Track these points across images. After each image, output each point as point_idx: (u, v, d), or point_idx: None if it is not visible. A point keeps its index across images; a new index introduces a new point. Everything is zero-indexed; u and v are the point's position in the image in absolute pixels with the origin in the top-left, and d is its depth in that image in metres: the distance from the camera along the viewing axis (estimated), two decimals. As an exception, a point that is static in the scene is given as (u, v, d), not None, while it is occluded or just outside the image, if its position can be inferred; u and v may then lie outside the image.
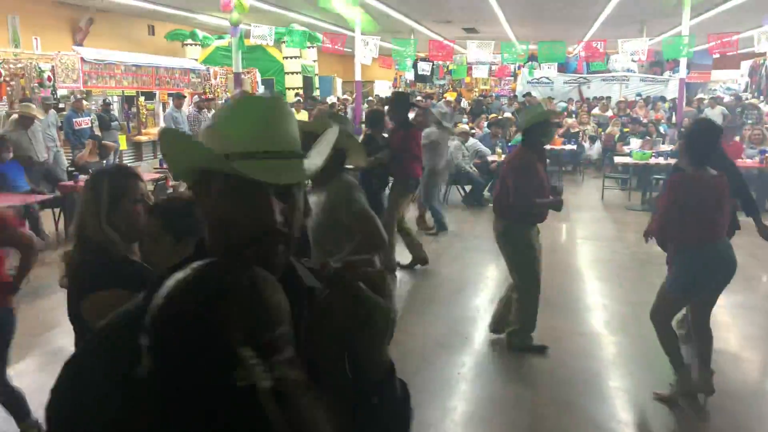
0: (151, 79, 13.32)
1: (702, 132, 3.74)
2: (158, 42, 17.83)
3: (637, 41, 14.35)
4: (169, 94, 13.48)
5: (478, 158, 10.84)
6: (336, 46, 13.71)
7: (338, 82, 25.12)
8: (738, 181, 4.35)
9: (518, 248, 4.51)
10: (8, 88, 11.35)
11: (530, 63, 18.18)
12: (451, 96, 20.70)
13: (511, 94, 20.13)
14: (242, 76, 11.51)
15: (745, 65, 21.32)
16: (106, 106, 11.14)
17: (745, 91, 20.72)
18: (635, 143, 11.85)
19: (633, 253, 7.42)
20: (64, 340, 4.32)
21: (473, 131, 10.88)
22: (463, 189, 10.56)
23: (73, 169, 8.48)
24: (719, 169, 3.77)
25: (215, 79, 15.74)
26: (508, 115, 14.97)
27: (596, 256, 7.48)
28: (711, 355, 3.89)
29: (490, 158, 10.53)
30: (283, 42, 15.87)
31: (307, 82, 21.49)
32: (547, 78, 20.03)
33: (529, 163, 4.35)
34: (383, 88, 28.03)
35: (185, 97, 11.55)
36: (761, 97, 17.78)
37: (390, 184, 6.33)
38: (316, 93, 21.87)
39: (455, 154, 10.09)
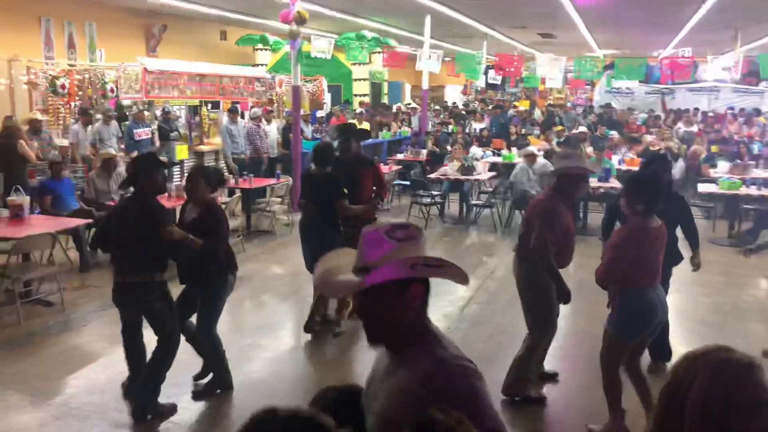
0: (215, 89, 13.25)
1: (649, 184, 3.85)
2: (230, 47, 17.94)
3: (729, 56, 13.10)
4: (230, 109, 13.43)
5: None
6: (395, 62, 13.26)
7: (407, 88, 24.64)
8: (687, 213, 4.97)
9: (538, 294, 4.31)
10: (77, 98, 11.55)
11: (609, 73, 17.12)
12: (523, 105, 19.89)
13: (588, 104, 19.06)
14: (302, 88, 11.22)
15: None
16: (166, 115, 11.10)
17: None
18: (723, 167, 10.77)
19: (714, 303, 6.56)
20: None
21: (539, 151, 10.12)
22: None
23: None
24: (669, 200, 4.14)
25: (280, 87, 15.59)
26: (582, 129, 14.06)
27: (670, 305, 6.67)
28: (651, 398, 3.74)
29: (558, 182, 9.75)
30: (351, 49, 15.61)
31: (376, 89, 21.16)
32: (628, 88, 18.83)
33: (554, 208, 4.18)
34: (454, 95, 27.39)
35: (238, 110, 11.36)
36: None
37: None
38: (384, 100, 21.52)
39: (519, 176, 9.42)
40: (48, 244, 5.90)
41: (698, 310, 6.35)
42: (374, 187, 5.80)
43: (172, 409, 4.19)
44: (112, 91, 11.13)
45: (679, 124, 15.31)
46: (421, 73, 16.77)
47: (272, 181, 9.57)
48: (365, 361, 4.87)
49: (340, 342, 5.48)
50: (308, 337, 5.50)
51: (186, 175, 4.36)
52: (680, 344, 5.50)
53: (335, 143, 6.96)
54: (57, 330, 5.58)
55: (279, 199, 9.13)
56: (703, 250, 8.55)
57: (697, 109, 16.56)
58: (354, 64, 19.70)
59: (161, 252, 4.04)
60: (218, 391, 4.46)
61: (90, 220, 7.03)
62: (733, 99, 17.78)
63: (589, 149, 12.74)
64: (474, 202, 10.68)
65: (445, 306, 6.22)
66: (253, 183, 8.98)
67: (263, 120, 11.76)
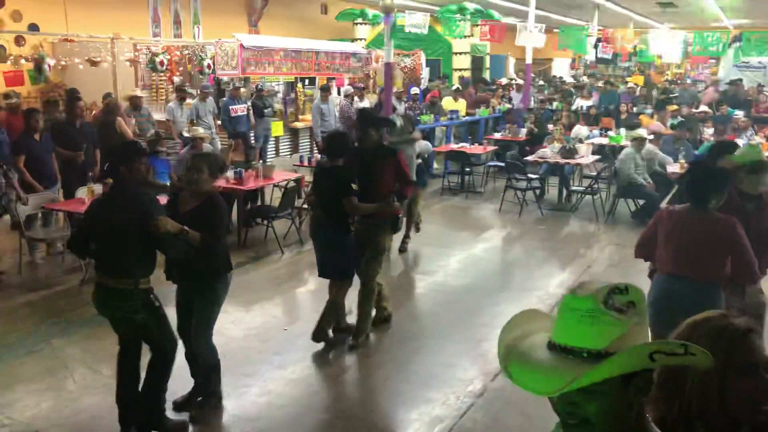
0: (311, 65, 13.18)
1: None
2: (330, 22, 17.88)
3: None
4: (322, 87, 13.31)
5: (659, 166, 9.16)
6: (494, 36, 12.54)
7: (511, 61, 23.59)
8: None
9: None
10: (177, 74, 11.84)
11: (736, 44, 15.39)
12: (636, 81, 18.44)
13: (711, 80, 17.36)
14: (395, 64, 10.87)
15: None
16: (260, 92, 11.12)
17: None
18: None
19: None
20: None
21: (650, 136, 9.18)
22: (635, 203, 9.04)
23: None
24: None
25: (377, 62, 15.30)
26: (704, 108, 12.76)
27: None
28: None
29: (671, 168, 8.85)
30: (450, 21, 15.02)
31: (477, 63, 20.38)
32: (760, 62, 16.94)
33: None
34: (562, 69, 25.96)
35: (330, 89, 11.16)
36: None
37: None
38: (486, 74, 20.71)
39: (626, 164, 8.60)
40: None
41: None
42: (396, 182, 5.03)
43: (182, 427, 3.86)
44: (209, 67, 11.29)
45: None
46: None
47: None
48: (380, 377, 4.54)
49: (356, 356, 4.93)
50: (318, 347, 4.92)
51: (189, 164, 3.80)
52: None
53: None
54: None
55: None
56: None
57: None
58: (454, 37, 19.07)
59: (146, 251, 3.60)
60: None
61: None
62: None
63: (709, 131, 11.55)
64: (574, 187, 9.94)
65: (533, 302, 5.75)
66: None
67: (356, 97, 11.53)
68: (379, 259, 5.01)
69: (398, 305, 5.67)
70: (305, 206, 7.34)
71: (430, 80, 16.52)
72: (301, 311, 5.89)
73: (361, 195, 4.80)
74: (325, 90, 10.52)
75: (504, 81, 18.06)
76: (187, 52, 11.47)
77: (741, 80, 15.64)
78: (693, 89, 16.33)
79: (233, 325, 5.21)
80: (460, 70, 19.01)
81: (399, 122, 6.96)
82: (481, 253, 7.70)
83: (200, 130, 7.59)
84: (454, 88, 13.95)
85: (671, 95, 15.28)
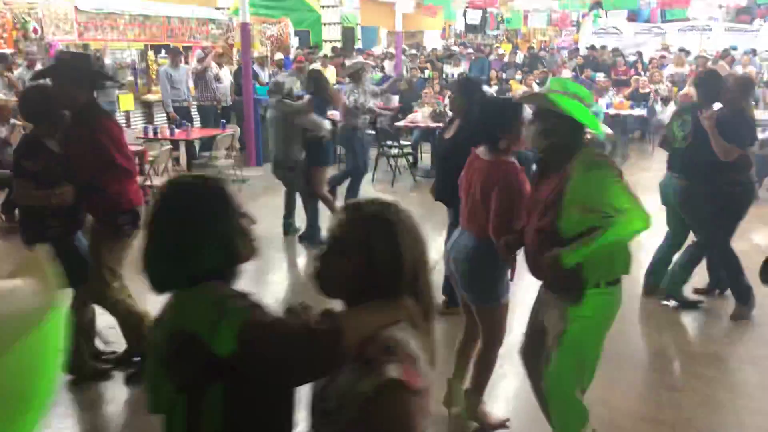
0: (162, 31, 11.98)
1: None
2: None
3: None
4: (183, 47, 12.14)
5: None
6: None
7: (383, 32, 23.22)
8: None
9: None
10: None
11: (595, 11, 15.89)
12: (505, 48, 18.65)
13: (573, 47, 17.88)
14: (250, 27, 9.99)
15: None
16: (98, 61, 9.83)
17: None
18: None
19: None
20: None
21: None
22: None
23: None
24: None
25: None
26: (567, 74, 12.98)
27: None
28: None
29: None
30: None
31: (348, 34, 19.80)
32: (616, 28, 17.64)
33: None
34: (435, 40, 25.98)
35: (182, 52, 10.09)
36: None
37: None
38: (358, 45, 20.17)
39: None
40: None
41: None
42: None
43: None
44: (35, 31, 9.81)
45: (669, 65, 14.27)
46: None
47: (215, 131, 8.46)
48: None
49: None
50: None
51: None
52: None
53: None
54: None
55: (224, 152, 8.04)
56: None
57: (687, 51, 15.44)
58: (324, 6, 18.34)
59: None
60: None
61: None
62: (727, 38, 16.67)
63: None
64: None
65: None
66: (192, 134, 7.88)
67: (214, 64, 10.52)
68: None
69: (257, 283, 5.00)
70: (147, 183, 6.41)
71: (297, 49, 15.70)
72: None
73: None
74: (175, 54, 9.45)
75: (376, 51, 17.61)
76: (9, 14, 9.91)
77: (595, 46, 16.19)
78: (557, 55, 16.69)
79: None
80: (331, 41, 18.35)
81: (288, 82, 6.01)
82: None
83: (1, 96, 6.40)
84: (321, 54, 13.25)
85: (537, 61, 15.52)
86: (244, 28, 9.13)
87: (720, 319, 4.56)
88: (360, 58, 11.49)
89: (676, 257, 4.65)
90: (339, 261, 1.37)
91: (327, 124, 5.94)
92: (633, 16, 17.93)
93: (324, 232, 5.92)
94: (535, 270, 2.63)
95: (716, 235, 4.40)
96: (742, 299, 4.42)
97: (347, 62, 13.71)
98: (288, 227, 6.39)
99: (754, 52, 15.18)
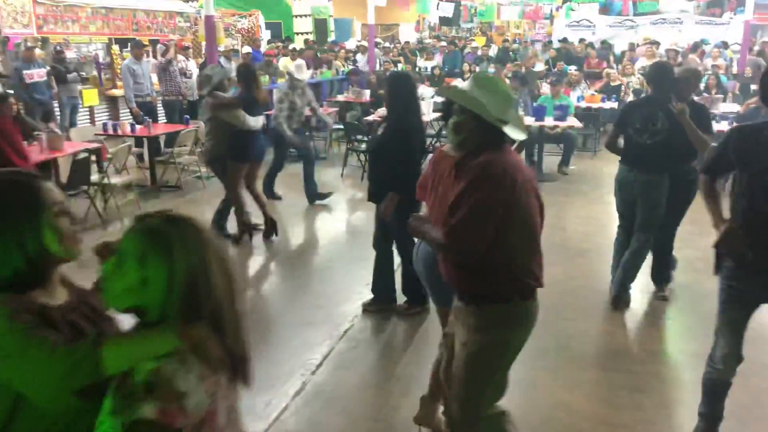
0: (127, 24, 11.69)
1: None
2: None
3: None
4: (151, 41, 11.85)
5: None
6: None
7: (357, 25, 22.99)
8: None
9: None
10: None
11: (568, 3, 15.87)
12: (479, 41, 18.57)
13: (547, 40, 17.87)
14: (216, 20, 9.76)
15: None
16: (59, 54, 9.54)
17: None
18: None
19: (686, 258, 5.63)
20: None
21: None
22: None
23: None
24: None
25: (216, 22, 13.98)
26: (539, 67, 12.94)
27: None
28: None
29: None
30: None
31: (320, 26, 19.56)
32: (588, 21, 17.66)
33: None
34: (408, 33, 25.81)
35: (145, 45, 9.82)
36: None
37: None
38: (332, 38, 19.95)
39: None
40: None
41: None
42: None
43: None
44: (-9, 24, 9.51)
45: (640, 58, 14.29)
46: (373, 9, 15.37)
47: (178, 127, 8.24)
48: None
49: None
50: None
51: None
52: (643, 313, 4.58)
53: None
54: None
55: (186, 148, 7.83)
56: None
57: (657, 42, 15.50)
58: (295, -2, 18.11)
59: None
60: None
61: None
62: (698, 31, 16.78)
63: (545, 87, 11.67)
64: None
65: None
66: (154, 130, 7.66)
67: (181, 57, 10.25)
68: None
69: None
70: (107, 182, 6.21)
71: (269, 42, 15.47)
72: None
73: None
74: (137, 47, 9.18)
75: (349, 44, 17.42)
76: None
77: (567, 39, 16.21)
78: (530, 48, 16.65)
79: None
80: (303, 33, 18.12)
81: (218, 75, 5.76)
82: (322, 220, 7.05)
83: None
84: (291, 47, 13.04)
85: (511, 53, 15.47)
86: (209, 20, 8.91)
87: (685, 317, 4.53)
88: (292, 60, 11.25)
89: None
90: (118, 275, 1.27)
91: (256, 121, 5.73)
92: (605, 9, 17.96)
93: (229, 231, 5.90)
94: (445, 276, 2.45)
95: (673, 224, 4.55)
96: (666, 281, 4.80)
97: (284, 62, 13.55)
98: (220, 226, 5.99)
99: (725, 45, 15.28)
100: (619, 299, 4.55)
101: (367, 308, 4.45)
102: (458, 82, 8.72)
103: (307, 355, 3.81)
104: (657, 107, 4.29)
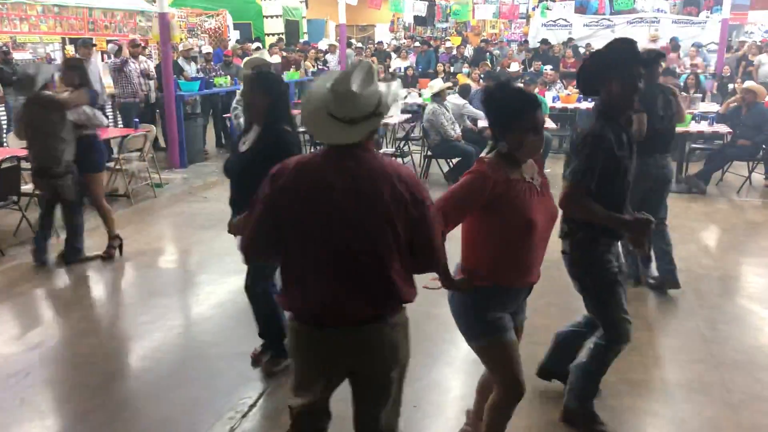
0: (82, 23, 11.11)
1: None
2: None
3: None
4: (108, 41, 11.27)
5: (471, 122, 8.64)
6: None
7: (331, 26, 22.52)
8: None
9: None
10: None
11: (543, 2, 15.54)
12: (454, 41, 18.20)
13: (523, 40, 17.55)
14: (170, 18, 9.23)
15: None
16: (5, 56, 8.94)
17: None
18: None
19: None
20: None
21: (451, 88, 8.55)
22: (448, 162, 8.37)
23: None
24: None
25: (172, 20, 13.43)
26: (515, 67, 12.55)
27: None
28: None
29: (482, 123, 8.28)
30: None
31: (292, 27, 19.04)
32: (565, 20, 17.36)
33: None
34: (384, 33, 25.38)
35: (94, 45, 9.21)
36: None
37: None
38: (304, 38, 19.44)
39: (435, 119, 7.85)
40: None
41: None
42: None
43: None
44: (-73, 23, 8.89)
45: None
46: (346, 10, 14.94)
47: (126, 131, 7.69)
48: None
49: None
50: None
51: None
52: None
53: None
54: None
55: (136, 153, 7.31)
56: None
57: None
58: (264, -1, 17.59)
59: None
60: None
61: None
62: (674, 30, 16.55)
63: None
64: (384, 150, 9.12)
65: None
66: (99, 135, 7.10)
67: (131, 57, 9.66)
68: None
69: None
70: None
71: (237, 42, 14.93)
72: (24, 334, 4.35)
73: None
74: (85, 46, 8.61)
75: (321, 45, 16.93)
76: None
77: (547, 39, 15.88)
78: (506, 48, 16.32)
79: None
80: (274, 34, 17.59)
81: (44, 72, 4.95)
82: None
83: None
84: (254, 47, 12.53)
85: (487, 53, 15.12)
86: (163, 18, 8.38)
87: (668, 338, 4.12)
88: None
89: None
90: None
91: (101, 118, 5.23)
92: (582, 9, 17.67)
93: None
94: None
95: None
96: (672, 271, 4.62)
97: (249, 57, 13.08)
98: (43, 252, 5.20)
99: (700, 45, 15.07)
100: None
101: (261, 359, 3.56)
102: (437, 83, 8.25)
103: (239, 392, 3.32)
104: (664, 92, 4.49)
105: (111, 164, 7.17)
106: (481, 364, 2.51)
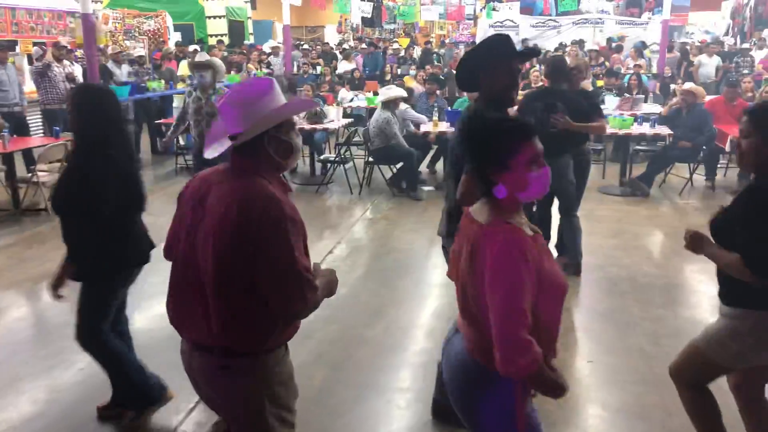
0: (6, 25, 10.47)
1: None
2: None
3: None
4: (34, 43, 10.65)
5: (415, 127, 8.42)
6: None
7: (278, 27, 22.08)
8: None
9: None
10: None
11: (489, 3, 15.49)
12: (402, 43, 18.03)
13: (471, 40, 17.51)
14: (94, 19, 8.73)
15: (727, 6, 19.38)
16: None
17: (726, 34, 18.65)
18: (611, 102, 9.49)
19: (609, 278, 5.12)
20: None
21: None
22: (391, 168, 8.14)
23: None
24: None
25: (106, 24, 12.86)
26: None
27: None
28: None
29: (424, 127, 8.07)
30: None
31: (237, 28, 18.57)
32: (512, 21, 17.40)
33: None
34: (333, 34, 25.09)
35: (5, 48, 8.60)
36: (749, 43, 15.50)
37: None
38: (250, 40, 18.97)
39: (389, 128, 7.58)
40: None
41: (591, 292, 4.87)
42: None
43: None
44: None
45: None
46: (296, 11, 14.58)
47: (47, 140, 7.19)
48: None
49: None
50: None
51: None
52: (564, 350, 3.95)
53: None
54: None
55: (56, 165, 6.82)
56: (592, 201, 7.40)
57: (582, 40, 15.42)
58: (207, -1, 17.08)
59: None
60: None
61: None
62: (618, 30, 16.79)
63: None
64: (325, 156, 8.82)
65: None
66: (10, 145, 6.61)
67: (65, 61, 9.16)
68: None
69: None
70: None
71: (177, 44, 14.41)
72: None
73: None
74: (1, 50, 8.04)
75: (266, 47, 16.52)
76: None
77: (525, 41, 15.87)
78: (453, 49, 16.24)
79: None
80: (217, 35, 17.11)
81: None
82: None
83: None
84: (191, 49, 12.08)
85: (433, 54, 15.00)
86: (86, 19, 7.89)
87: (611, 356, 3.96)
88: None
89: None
90: None
91: None
92: (528, 10, 17.75)
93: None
94: None
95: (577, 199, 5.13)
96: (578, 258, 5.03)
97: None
98: None
99: (644, 45, 15.27)
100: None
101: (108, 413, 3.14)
102: (394, 91, 7.96)
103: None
104: (555, 97, 4.77)
105: (28, 176, 6.70)
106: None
